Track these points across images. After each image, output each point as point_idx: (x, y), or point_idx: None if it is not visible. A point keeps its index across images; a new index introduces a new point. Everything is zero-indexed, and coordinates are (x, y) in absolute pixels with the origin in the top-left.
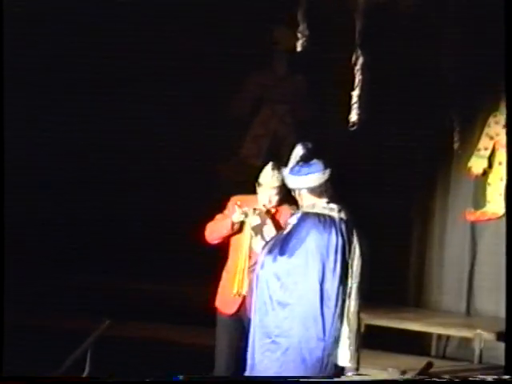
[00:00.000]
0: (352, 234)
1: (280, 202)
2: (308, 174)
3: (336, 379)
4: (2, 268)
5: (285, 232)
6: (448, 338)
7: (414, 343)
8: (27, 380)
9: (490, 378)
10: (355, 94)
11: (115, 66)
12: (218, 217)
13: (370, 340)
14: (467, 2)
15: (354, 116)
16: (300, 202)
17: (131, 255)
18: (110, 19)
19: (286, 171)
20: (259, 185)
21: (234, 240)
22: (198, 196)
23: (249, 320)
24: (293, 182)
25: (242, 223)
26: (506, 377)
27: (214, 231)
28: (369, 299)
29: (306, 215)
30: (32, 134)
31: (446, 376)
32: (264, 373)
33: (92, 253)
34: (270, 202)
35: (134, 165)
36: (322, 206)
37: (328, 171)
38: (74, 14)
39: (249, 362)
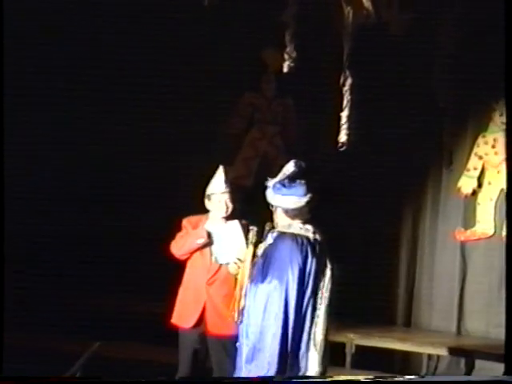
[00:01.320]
0: (325, 256)
1: (231, 210)
2: (285, 195)
3: (336, 379)
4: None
5: (261, 254)
6: (438, 357)
7: (405, 363)
8: (27, 380)
9: (489, 378)
10: (344, 114)
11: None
12: (180, 235)
13: (360, 360)
14: (454, 23)
15: (343, 137)
16: (275, 219)
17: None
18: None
19: (269, 183)
20: (209, 198)
21: (192, 255)
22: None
23: (210, 334)
24: (270, 197)
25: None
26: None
27: (182, 247)
28: (359, 319)
29: (282, 235)
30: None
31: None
32: None
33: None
34: (227, 208)
35: (114, 181)
36: (298, 226)
37: (308, 197)
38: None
39: None
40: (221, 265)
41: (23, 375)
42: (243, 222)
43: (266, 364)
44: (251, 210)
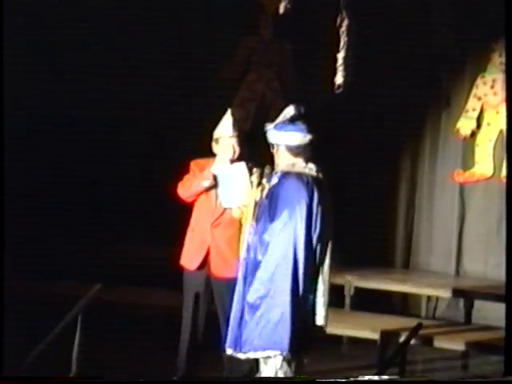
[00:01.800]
0: (329, 195)
1: (238, 153)
2: (290, 131)
3: (336, 379)
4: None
5: (266, 195)
6: (437, 299)
7: (404, 305)
8: (27, 380)
9: (489, 378)
10: (340, 56)
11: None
12: (187, 177)
13: (359, 302)
14: None
15: (339, 79)
16: (276, 160)
17: (119, 218)
18: None
19: (269, 126)
20: (217, 141)
21: (199, 197)
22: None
23: (213, 276)
24: (273, 137)
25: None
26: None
27: (189, 189)
28: (358, 261)
29: (286, 174)
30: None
31: (436, 338)
32: (247, 335)
33: (80, 217)
34: (234, 152)
35: (120, 126)
36: (301, 165)
37: (311, 135)
38: None
39: (232, 323)
40: (225, 208)
41: (23, 375)
42: (249, 165)
43: (280, 300)
44: (250, 153)
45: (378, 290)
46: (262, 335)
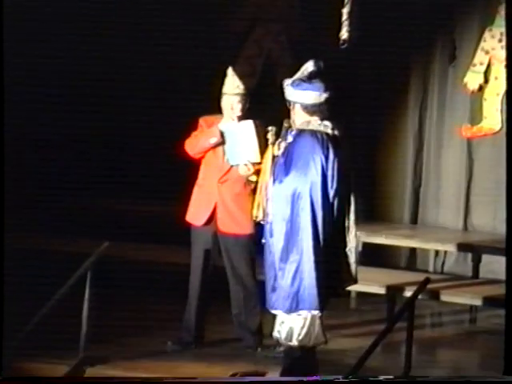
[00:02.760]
0: (347, 152)
1: (243, 111)
2: (305, 89)
3: (336, 379)
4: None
5: (281, 153)
6: (445, 253)
7: (412, 260)
8: (27, 380)
9: (490, 379)
10: (345, 11)
11: None
12: (194, 133)
13: (367, 257)
14: None
15: (344, 34)
16: (292, 117)
17: (125, 177)
18: None
19: (287, 82)
20: (223, 95)
21: (206, 154)
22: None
23: (220, 232)
24: (289, 94)
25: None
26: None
27: (196, 146)
28: (366, 217)
29: (301, 132)
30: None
31: (444, 292)
32: (296, 288)
33: (86, 175)
34: (232, 109)
35: (125, 81)
36: (317, 123)
37: (327, 94)
38: None
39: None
40: (232, 165)
41: (23, 375)
42: (257, 121)
43: (307, 259)
44: (258, 110)
45: (385, 245)
46: (299, 294)
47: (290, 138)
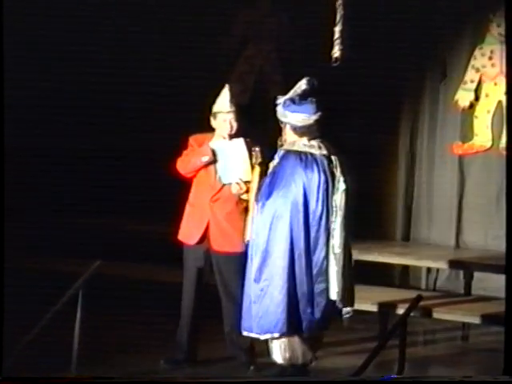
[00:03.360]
0: (335, 170)
1: (236, 129)
2: (294, 111)
3: (336, 379)
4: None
5: (269, 173)
6: (437, 270)
7: (404, 277)
8: (27, 380)
9: (489, 378)
10: (337, 29)
11: None
12: (185, 153)
13: (359, 275)
14: None
15: (336, 52)
16: (283, 136)
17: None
18: None
19: (280, 100)
20: (215, 116)
21: (198, 173)
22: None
23: (213, 250)
24: (280, 114)
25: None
26: (506, 377)
27: (188, 165)
28: (358, 234)
29: (287, 154)
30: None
31: (436, 309)
32: (262, 312)
33: (77, 193)
34: (231, 128)
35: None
36: (302, 143)
37: (316, 116)
38: None
39: (246, 300)
40: (224, 184)
41: (23, 375)
42: (247, 140)
43: (276, 281)
44: (248, 128)
45: (378, 263)
46: (264, 318)
47: (276, 159)
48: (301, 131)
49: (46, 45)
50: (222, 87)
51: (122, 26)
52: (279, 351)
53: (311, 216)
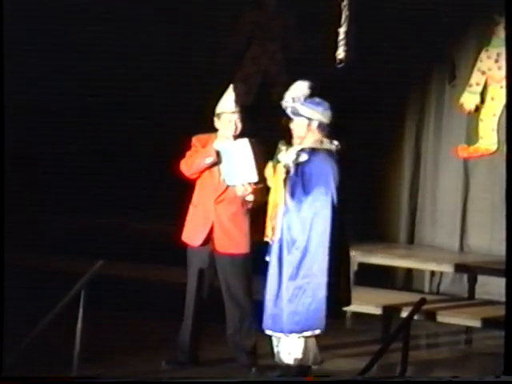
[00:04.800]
0: (344, 170)
1: (241, 129)
2: (326, 109)
3: (337, 379)
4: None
5: (295, 172)
6: (441, 274)
7: (408, 280)
8: (27, 380)
9: (490, 378)
10: (342, 30)
11: None
12: (189, 153)
13: (363, 277)
14: None
15: (341, 53)
16: (298, 134)
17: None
18: None
19: (298, 98)
20: (219, 117)
21: (202, 174)
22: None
23: (217, 252)
24: (306, 111)
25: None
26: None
27: (192, 166)
28: (362, 237)
29: (315, 151)
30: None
31: (440, 313)
32: (302, 310)
33: (81, 193)
34: (236, 128)
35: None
36: (328, 142)
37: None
38: None
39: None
40: (229, 185)
41: (23, 375)
42: (252, 140)
43: (318, 278)
44: (253, 129)
45: (381, 266)
46: (305, 316)
47: (304, 157)
48: (327, 129)
49: (47, 44)
50: (225, 87)
51: (125, 26)
52: (292, 351)
53: (342, 213)
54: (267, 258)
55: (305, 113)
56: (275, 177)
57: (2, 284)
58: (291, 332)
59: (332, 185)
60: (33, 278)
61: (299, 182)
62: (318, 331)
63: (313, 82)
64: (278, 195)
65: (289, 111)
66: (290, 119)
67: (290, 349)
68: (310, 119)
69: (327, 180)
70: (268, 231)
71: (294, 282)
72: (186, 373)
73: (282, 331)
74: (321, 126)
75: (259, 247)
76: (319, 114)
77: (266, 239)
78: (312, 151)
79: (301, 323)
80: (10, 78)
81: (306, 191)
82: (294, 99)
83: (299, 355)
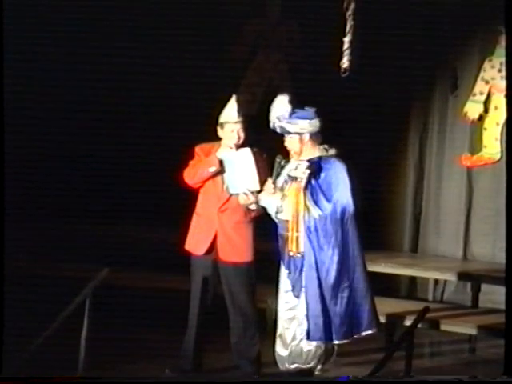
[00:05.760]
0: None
1: (244, 139)
2: (311, 118)
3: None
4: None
5: (314, 181)
6: (445, 282)
7: (411, 288)
8: (27, 380)
9: (490, 379)
10: (347, 40)
11: None
12: (192, 163)
13: None
14: None
15: (345, 62)
16: (297, 149)
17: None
18: None
19: (284, 117)
20: (222, 126)
21: (205, 183)
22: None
23: (221, 261)
24: (297, 127)
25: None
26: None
27: (195, 175)
28: (365, 245)
29: (330, 158)
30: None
31: (443, 321)
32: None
33: (86, 200)
34: (239, 138)
35: (126, 107)
36: (329, 149)
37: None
38: None
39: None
40: (232, 194)
41: (23, 375)
42: (255, 150)
43: (357, 284)
44: (256, 138)
45: (385, 274)
46: (350, 321)
47: (312, 168)
48: (321, 138)
49: (49, 47)
50: (229, 97)
51: (129, 33)
52: (305, 357)
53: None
54: (285, 271)
55: (293, 129)
56: (289, 191)
57: (2, 289)
58: (343, 338)
59: (349, 191)
60: (39, 285)
61: (318, 189)
62: (369, 331)
63: (288, 97)
64: (296, 209)
65: (278, 131)
66: (283, 137)
67: (300, 355)
68: (300, 134)
69: (345, 184)
70: (292, 246)
71: (338, 288)
72: (190, 381)
73: (330, 339)
74: (313, 135)
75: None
76: (307, 126)
77: (290, 253)
78: (328, 158)
79: (350, 328)
80: (10, 82)
81: (328, 198)
82: (279, 118)
83: (311, 362)
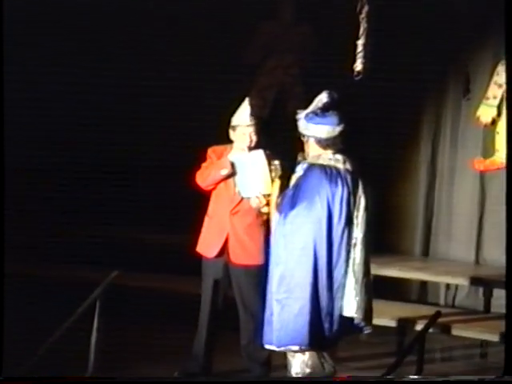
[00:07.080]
0: (357, 185)
1: (256, 142)
2: (319, 123)
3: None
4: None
5: (291, 186)
6: (457, 287)
7: (423, 293)
8: (27, 380)
9: (489, 378)
10: (360, 43)
11: None
12: (204, 165)
13: (378, 290)
14: None
15: (358, 65)
16: (306, 150)
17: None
18: None
19: (301, 114)
20: (234, 129)
21: (217, 186)
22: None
23: (232, 263)
24: (303, 127)
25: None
26: (506, 377)
27: (207, 178)
28: (376, 249)
29: (311, 166)
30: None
31: (455, 326)
32: (281, 325)
33: (96, 203)
34: (251, 141)
35: (136, 107)
36: (327, 157)
37: (340, 127)
38: None
39: (267, 312)
40: (243, 197)
41: (23, 375)
42: (267, 152)
43: (296, 294)
44: (268, 142)
45: (396, 278)
46: (283, 330)
47: (300, 171)
48: (325, 144)
49: (50, 51)
50: (241, 99)
51: (136, 36)
52: (299, 366)
53: (334, 230)
54: None
55: (301, 129)
56: (272, 190)
57: (2, 289)
58: (278, 346)
59: (318, 200)
60: (48, 287)
61: (291, 195)
62: (294, 348)
63: (329, 95)
64: (271, 209)
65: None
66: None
67: (296, 364)
68: (305, 135)
69: (313, 195)
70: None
71: (276, 296)
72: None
73: (272, 344)
74: (320, 141)
75: None
76: (312, 129)
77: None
78: (309, 166)
79: (282, 338)
80: (11, 87)
81: (292, 205)
82: (298, 116)
83: (306, 370)
